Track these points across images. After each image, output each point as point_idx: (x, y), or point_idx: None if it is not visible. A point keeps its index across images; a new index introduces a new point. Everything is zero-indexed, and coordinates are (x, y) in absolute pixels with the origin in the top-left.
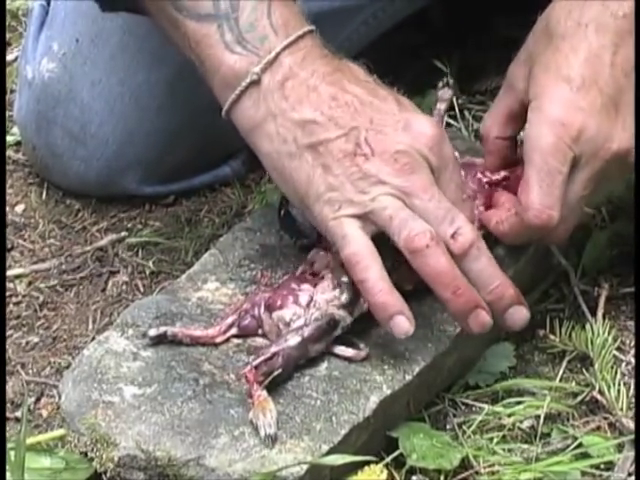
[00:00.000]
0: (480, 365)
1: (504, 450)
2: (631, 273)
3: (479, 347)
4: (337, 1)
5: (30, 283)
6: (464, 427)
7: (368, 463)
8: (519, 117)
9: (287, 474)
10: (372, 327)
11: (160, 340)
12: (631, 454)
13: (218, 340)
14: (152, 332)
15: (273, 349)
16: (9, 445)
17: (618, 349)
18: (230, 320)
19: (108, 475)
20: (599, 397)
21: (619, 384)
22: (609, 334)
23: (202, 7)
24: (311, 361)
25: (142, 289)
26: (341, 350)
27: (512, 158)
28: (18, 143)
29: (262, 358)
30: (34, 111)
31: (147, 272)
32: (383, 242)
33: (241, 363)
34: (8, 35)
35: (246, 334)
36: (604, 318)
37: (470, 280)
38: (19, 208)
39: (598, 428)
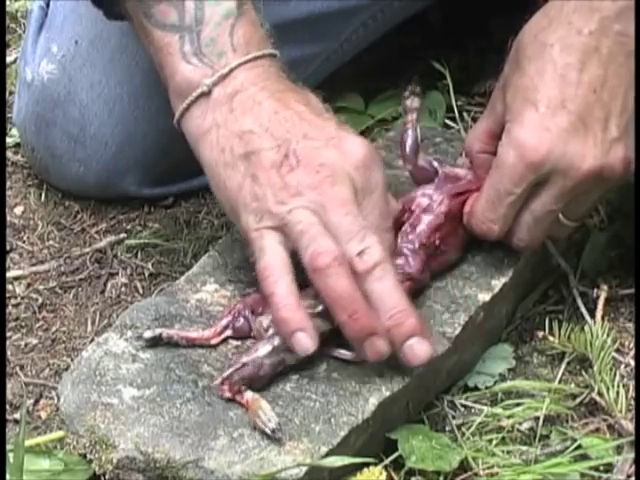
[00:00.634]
0: (479, 367)
1: (503, 452)
2: (630, 275)
3: (478, 349)
4: (336, 3)
5: (29, 285)
6: (463, 429)
7: (367, 465)
8: (499, 137)
9: (286, 476)
10: None
11: (156, 342)
12: (630, 456)
13: (213, 342)
14: (147, 334)
15: (243, 359)
16: (8, 447)
17: (617, 351)
18: (225, 322)
19: (107, 477)
20: (598, 399)
21: (618, 386)
22: (608, 336)
23: (168, 17)
24: (310, 363)
25: (141, 291)
26: (340, 353)
27: None
28: (17, 145)
29: (232, 369)
30: (33, 113)
31: (146, 274)
32: None
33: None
34: (7, 37)
35: (240, 336)
36: (603, 320)
37: (371, 303)
38: (18, 210)
39: (597, 430)
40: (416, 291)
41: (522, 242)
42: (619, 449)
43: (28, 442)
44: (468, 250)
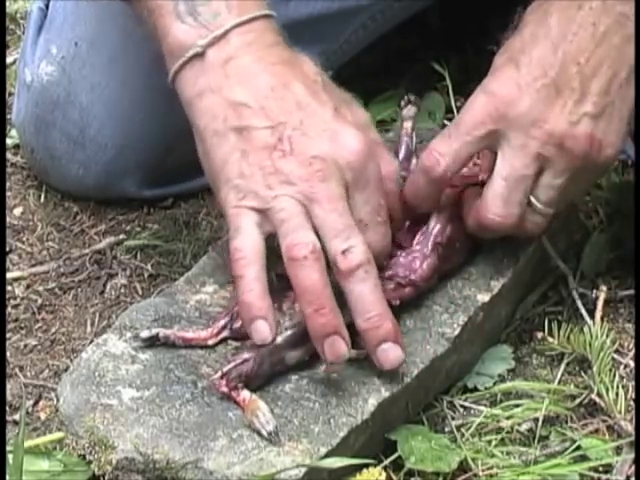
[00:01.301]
0: (478, 368)
1: (502, 453)
2: (629, 276)
3: (477, 350)
4: (335, 4)
5: (28, 286)
6: (462, 430)
7: (366, 466)
8: None
9: (285, 477)
10: None
11: (153, 342)
12: (629, 457)
13: (210, 342)
14: (144, 334)
15: (245, 355)
16: (7, 448)
17: (616, 352)
18: (222, 322)
19: (106, 478)
20: (597, 400)
21: (617, 387)
22: (607, 337)
23: None
24: (309, 363)
25: (140, 292)
26: None
27: None
28: (16, 146)
29: (232, 364)
30: (33, 114)
31: (145, 275)
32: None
33: None
34: (6, 38)
35: (238, 337)
36: (602, 321)
37: (349, 303)
38: (17, 211)
39: (596, 431)
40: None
41: (498, 217)
42: (618, 450)
43: (27, 443)
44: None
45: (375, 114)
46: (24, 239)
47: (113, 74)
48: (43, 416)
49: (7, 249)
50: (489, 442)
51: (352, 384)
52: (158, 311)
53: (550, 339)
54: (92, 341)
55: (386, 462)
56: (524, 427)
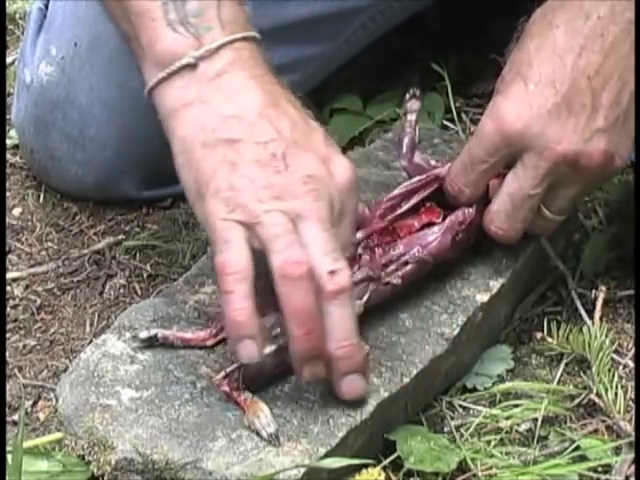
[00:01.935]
0: (477, 368)
1: (502, 453)
2: (628, 276)
3: (476, 350)
4: (335, 5)
5: (27, 286)
6: (462, 430)
7: (365, 466)
8: None
9: (284, 477)
10: (369, 330)
11: (151, 343)
12: (629, 457)
13: (209, 343)
14: (143, 334)
15: None
16: (6, 448)
17: (616, 352)
18: (221, 323)
19: (105, 478)
20: (597, 400)
21: (617, 387)
22: (607, 337)
23: None
24: None
25: (139, 292)
26: None
27: None
28: (16, 146)
29: (236, 365)
30: (32, 115)
31: (144, 275)
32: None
33: None
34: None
35: None
36: (601, 321)
37: (327, 325)
38: (16, 211)
39: (596, 431)
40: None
41: (500, 230)
42: (617, 450)
43: (26, 444)
44: (467, 251)
45: (374, 114)
46: (23, 239)
47: (112, 74)
48: (42, 416)
49: (6, 249)
50: (488, 442)
51: None
52: (157, 311)
53: (549, 339)
54: (91, 341)
55: (385, 462)
56: (523, 427)
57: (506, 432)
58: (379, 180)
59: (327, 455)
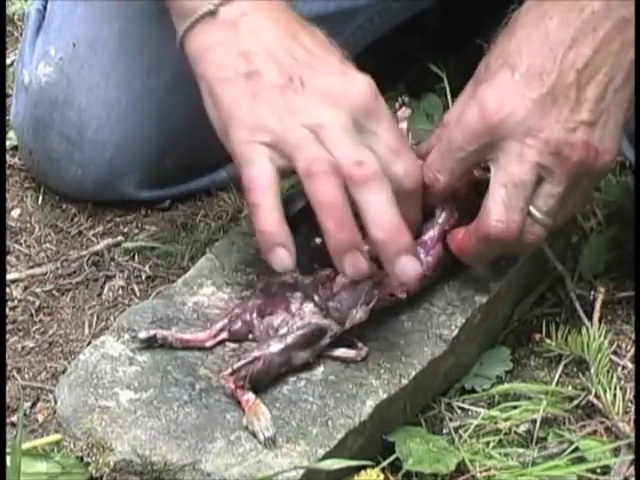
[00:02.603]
0: (476, 369)
1: (500, 454)
2: (627, 277)
3: (475, 351)
4: (332, 5)
5: (26, 288)
6: (460, 431)
7: (364, 467)
8: None
9: (283, 478)
10: (368, 331)
11: (150, 343)
12: (627, 458)
13: (208, 344)
14: (142, 335)
15: (255, 353)
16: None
17: (614, 353)
18: (220, 324)
19: None
20: (595, 401)
21: (615, 388)
22: (605, 338)
23: None
24: (307, 365)
25: (138, 294)
26: (342, 352)
27: None
28: (14, 148)
29: (243, 362)
30: (31, 116)
31: (143, 277)
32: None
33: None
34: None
35: (236, 339)
36: (600, 322)
37: (364, 215)
38: (15, 213)
39: (594, 432)
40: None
41: (501, 223)
42: (616, 451)
43: (25, 445)
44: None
45: None
46: (22, 241)
47: (111, 75)
48: (41, 418)
49: (5, 251)
50: (487, 444)
51: (350, 386)
52: (156, 313)
53: (548, 341)
54: (90, 343)
55: (384, 464)
56: (522, 428)
57: (505, 433)
58: None
59: (326, 456)
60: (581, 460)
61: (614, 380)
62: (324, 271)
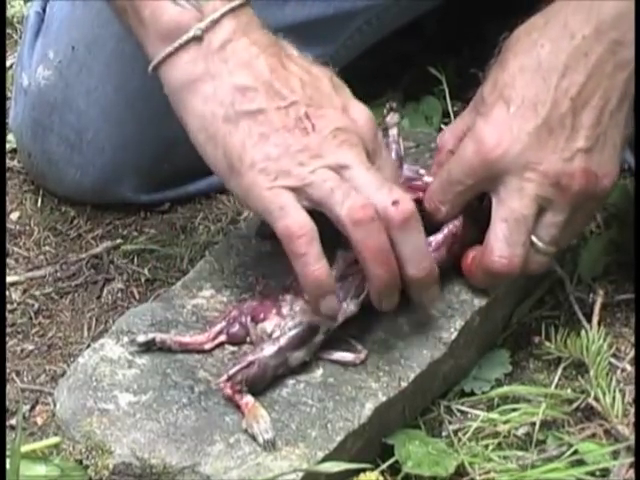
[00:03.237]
0: (475, 372)
1: (500, 457)
2: (626, 280)
3: (474, 354)
4: (331, 8)
5: (25, 290)
6: (460, 434)
7: (363, 470)
8: None
9: None
10: (367, 334)
11: (149, 347)
12: (626, 461)
13: (207, 347)
14: (140, 338)
15: (249, 358)
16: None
17: (613, 356)
18: (219, 327)
19: None
20: (594, 404)
21: (614, 391)
22: (604, 341)
23: None
24: (306, 368)
25: (137, 296)
26: (341, 356)
27: None
28: (13, 150)
29: (238, 367)
30: (30, 118)
31: (142, 279)
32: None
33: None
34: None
35: (235, 342)
36: (599, 325)
37: (403, 254)
38: (14, 215)
39: (593, 435)
40: None
41: (503, 259)
42: (615, 454)
43: (24, 448)
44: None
45: None
46: (21, 244)
47: (110, 78)
48: (40, 421)
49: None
50: (486, 446)
51: (349, 389)
52: (155, 316)
53: (547, 343)
54: (89, 346)
55: (383, 466)
56: (521, 431)
57: (504, 436)
58: None
59: (325, 459)
60: (580, 463)
61: (613, 383)
62: None
